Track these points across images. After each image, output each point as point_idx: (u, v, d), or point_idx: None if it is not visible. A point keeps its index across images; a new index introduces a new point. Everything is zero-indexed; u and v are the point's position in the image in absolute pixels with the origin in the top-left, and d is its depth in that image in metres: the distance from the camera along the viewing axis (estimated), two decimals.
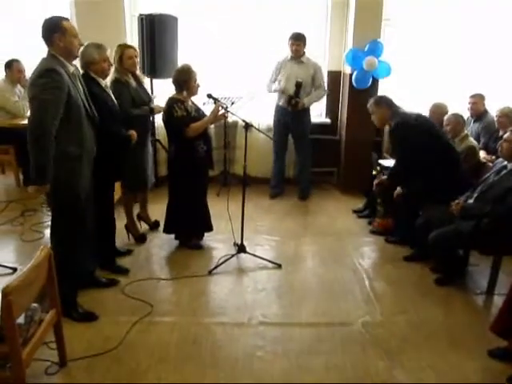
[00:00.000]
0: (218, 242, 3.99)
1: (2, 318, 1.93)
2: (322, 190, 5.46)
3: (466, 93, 4.82)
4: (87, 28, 4.27)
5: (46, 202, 3.86)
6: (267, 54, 5.16)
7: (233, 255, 3.70)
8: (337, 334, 2.84)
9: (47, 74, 2.52)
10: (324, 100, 5.40)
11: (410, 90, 5.30)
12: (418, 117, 3.83)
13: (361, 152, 5.12)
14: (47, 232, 3.83)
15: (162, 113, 3.71)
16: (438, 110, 4.39)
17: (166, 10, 4.73)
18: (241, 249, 3.72)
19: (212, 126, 4.66)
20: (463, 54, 5.32)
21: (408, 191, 3.80)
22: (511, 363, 2.56)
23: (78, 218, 2.79)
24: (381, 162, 4.58)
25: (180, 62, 4.44)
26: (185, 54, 4.85)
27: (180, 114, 3.48)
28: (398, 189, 3.87)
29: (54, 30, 2.59)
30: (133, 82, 3.62)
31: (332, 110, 5.51)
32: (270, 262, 3.67)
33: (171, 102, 3.54)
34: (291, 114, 4.86)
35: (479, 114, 4.65)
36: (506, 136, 3.24)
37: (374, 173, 4.59)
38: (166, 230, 3.86)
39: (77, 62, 2.88)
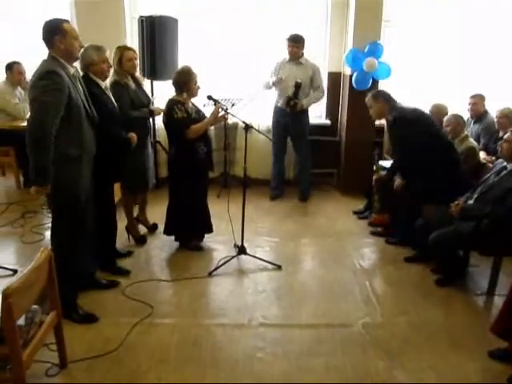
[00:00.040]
0: (218, 244, 3.99)
1: (2, 320, 1.93)
2: (322, 191, 5.46)
3: (466, 93, 4.82)
4: (87, 30, 4.27)
5: (47, 203, 3.86)
6: (267, 55, 5.16)
7: (233, 257, 3.70)
8: (337, 335, 2.84)
9: (48, 75, 2.53)
10: (324, 101, 5.41)
11: (410, 90, 5.30)
12: (414, 110, 3.86)
13: (361, 153, 5.12)
14: (47, 234, 3.83)
15: (162, 114, 3.72)
16: (438, 110, 4.40)
17: (166, 12, 4.74)
18: (241, 250, 3.73)
19: (212, 127, 4.66)
20: (463, 54, 5.33)
21: (408, 191, 3.81)
22: (511, 364, 2.56)
23: (78, 220, 2.79)
24: (381, 162, 4.60)
25: (180, 64, 4.45)
26: (185, 56, 4.86)
27: (180, 116, 3.49)
28: (398, 180, 3.89)
29: (54, 32, 2.60)
30: (132, 84, 3.62)
31: (332, 111, 5.51)
32: (270, 263, 3.67)
33: (171, 103, 3.54)
34: (290, 115, 4.86)
35: (479, 114, 4.66)
36: (506, 136, 3.24)
37: (374, 168, 4.63)
38: (167, 232, 3.86)
39: (77, 64, 2.89)
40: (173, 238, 3.92)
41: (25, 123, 4.50)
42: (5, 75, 5.16)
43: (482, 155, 4.27)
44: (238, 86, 5.32)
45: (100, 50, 3.05)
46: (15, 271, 3.37)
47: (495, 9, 5.16)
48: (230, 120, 4.44)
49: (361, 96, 4.43)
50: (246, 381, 2.45)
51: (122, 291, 3.23)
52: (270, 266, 3.65)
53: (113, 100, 3.21)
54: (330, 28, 5.26)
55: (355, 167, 5.18)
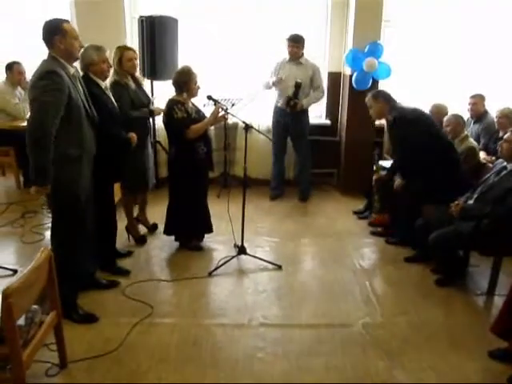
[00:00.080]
0: (218, 244, 3.99)
1: (2, 320, 1.93)
2: (322, 191, 5.46)
3: (466, 93, 4.82)
4: (87, 30, 4.27)
5: (47, 203, 3.87)
6: (267, 55, 5.17)
7: (233, 257, 3.70)
8: (337, 336, 2.84)
9: (48, 76, 2.53)
10: (324, 101, 5.41)
11: (410, 90, 5.30)
12: (414, 110, 3.87)
13: (361, 153, 5.12)
14: (47, 234, 3.83)
15: (162, 114, 3.72)
16: (438, 110, 4.40)
17: (166, 12, 4.74)
18: (241, 250, 3.72)
19: (212, 127, 4.67)
20: (463, 54, 5.33)
21: (408, 191, 3.82)
22: (511, 364, 2.56)
23: (78, 220, 2.79)
24: (381, 162, 4.61)
25: (180, 64, 4.45)
26: (185, 56, 4.86)
27: (180, 116, 3.49)
28: (398, 180, 3.90)
29: (54, 32, 2.60)
30: (132, 84, 3.62)
31: (332, 111, 5.51)
32: (270, 263, 3.67)
33: (171, 103, 3.54)
34: (290, 115, 4.86)
35: (479, 114, 4.66)
36: (506, 136, 3.24)
37: (374, 168, 4.63)
38: (167, 232, 3.86)
39: (77, 64, 2.89)
40: (173, 238, 3.92)
41: (25, 123, 4.49)
42: (5, 75, 5.16)
43: (482, 155, 4.27)
44: (238, 86, 5.32)
45: (100, 50, 3.06)
46: (15, 271, 3.38)
47: (495, 9, 5.16)
48: (230, 120, 4.44)
49: (361, 96, 4.43)
50: (246, 381, 2.45)
51: (122, 291, 3.23)
52: (270, 266, 3.65)
53: (113, 100, 3.21)
54: (330, 28, 5.26)
55: (355, 167, 5.18)
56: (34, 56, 3.80)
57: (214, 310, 3.13)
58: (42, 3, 5.33)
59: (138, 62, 3.74)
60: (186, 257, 3.80)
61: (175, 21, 4.74)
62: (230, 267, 3.61)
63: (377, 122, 4.91)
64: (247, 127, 3.56)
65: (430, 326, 2.95)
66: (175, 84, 3.57)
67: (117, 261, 3.53)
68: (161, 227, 4.02)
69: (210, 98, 3.65)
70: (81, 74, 2.96)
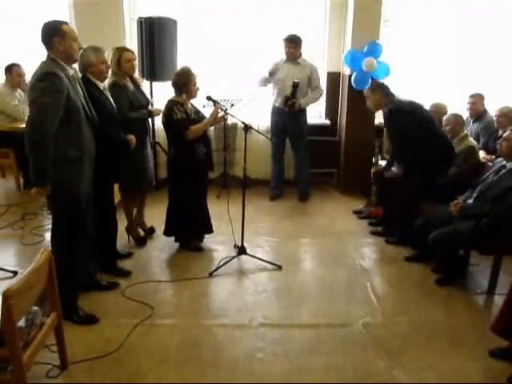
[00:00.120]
0: (218, 244, 3.99)
1: (2, 322, 1.93)
2: (322, 191, 5.46)
3: (465, 93, 4.82)
4: (86, 31, 4.28)
5: (47, 205, 3.87)
6: (266, 55, 5.16)
7: (233, 257, 3.70)
8: (337, 335, 2.84)
9: (47, 77, 2.53)
10: (323, 101, 5.42)
11: (410, 90, 5.29)
12: (411, 103, 3.88)
13: (360, 153, 5.12)
14: (47, 235, 3.83)
15: (161, 115, 3.72)
16: (438, 110, 4.39)
17: (166, 13, 4.75)
18: (241, 250, 3.73)
19: (212, 128, 4.68)
20: (462, 53, 5.34)
21: (407, 185, 3.83)
22: None
23: (78, 221, 2.80)
24: (381, 162, 4.61)
25: (179, 65, 4.44)
26: (184, 57, 4.86)
27: (180, 117, 3.49)
28: (399, 169, 3.94)
29: (53, 33, 2.60)
30: (131, 86, 3.62)
31: (331, 111, 5.52)
32: (270, 263, 3.67)
33: (171, 104, 3.54)
34: (288, 114, 4.86)
35: (478, 113, 4.66)
36: (505, 135, 3.25)
37: (373, 161, 4.66)
38: (167, 233, 3.86)
39: (76, 66, 2.89)
40: (173, 238, 3.92)
41: (24, 125, 4.51)
42: (4, 77, 5.16)
43: (482, 154, 4.27)
44: (238, 86, 5.32)
45: (98, 51, 3.06)
46: (15, 273, 3.38)
47: (494, 8, 5.16)
48: (230, 120, 4.43)
49: (360, 96, 4.43)
50: (246, 381, 2.45)
51: (122, 292, 3.23)
52: (270, 266, 3.65)
53: (111, 101, 3.21)
54: (329, 28, 5.27)
55: (355, 167, 5.18)
56: (33, 57, 3.80)
57: (214, 310, 3.13)
58: (41, 4, 5.33)
59: (136, 63, 3.74)
60: (186, 257, 3.80)
61: (174, 22, 4.74)
62: (230, 267, 3.61)
63: (376, 122, 4.92)
64: (247, 128, 3.56)
65: (431, 326, 2.95)
66: (174, 85, 3.58)
67: (117, 262, 3.53)
68: (160, 228, 4.02)
69: (209, 98, 3.65)
70: (80, 75, 2.96)
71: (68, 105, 2.60)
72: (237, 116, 3.76)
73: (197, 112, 3.69)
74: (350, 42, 4.93)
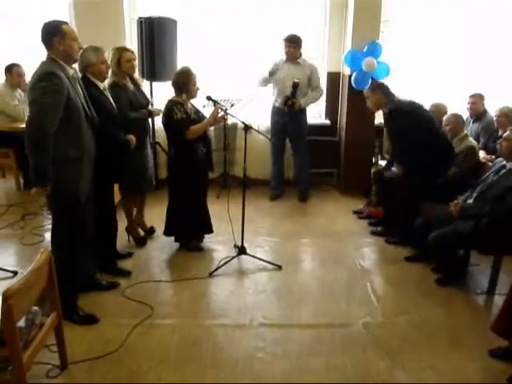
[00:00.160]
0: (218, 244, 3.99)
1: (2, 322, 1.93)
2: (322, 191, 5.46)
3: (465, 93, 4.82)
4: (86, 31, 4.28)
5: (47, 205, 3.87)
6: (266, 55, 5.16)
7: (233, 257, 3.70)
8: (337, 335, 2.84)
9: (47, 77, 2.53)
10: (323, 101, 5.42)
11: (410, 90, 5.29)
12: (411, 103, 3.88)
13: (360, 153, 5.11)
14: (47, 235, 3.83)
15: (161, 115, 3.72)
16: (438, 110, 4.39)
17: (166, 13, 4.75)
18: (241, 250, 3.73)
19: (212, 128, 4.68)
20: (462, 53, 5.33)
21: (407, 184, 3.83)
22: None
23: (78, 221, 2.80)
24: (381, 162, 4.61)
25: (179, 65, 4.44)
26: (184, 57, 4.86)
27: (180, 117, 3.49)
28: (399, 168, 3.94)
29: (53, 33, 2.60)
30: (131, 86, 3.62)
31: (331, 111, 5.52)
32: (270, 263, 3.67)
33: (171, 104, 3.54)
34: (288, 114, 4.86)
35: (478, 113, 4.66)
36: (505, 135, 3.25)
37: (373, 161, 4.66)
38: (167, 233, 3.86)
39: (76, 66, 2.89)
40: (173, 238, 3.92)
41: (24, 125, 4.52)
42: (4, 77, 5.16)
43: (482, 154, 4.27)
44: (238, 86, 5.32)
45: (98, 51, 3.06)
46: (15, 273, 3.38)
47: (494, 8, 5.16)
48: (230, 120, 4.43)
49: (360, 96, 4.43)
50: (246, 381, 2.45)
51: (122, 292, 3.23)
52: (270, 266, 3.65)
53: (111, 101, 3.21)
54: (329, 28, 5.27)
55: (355, 167, 5.18)
56: (33, 57, 3.80)
57: (214, 310, 3.13)
58: (41, 4, 5.33)
59: (136, 63, 3.74)
60: (186, 257, 3.80)
61: (174, 22, 4.74)
62: (230, 267, 3.61)
63: (376, 122, 4.91)
64: (247, 128, 3.56)
65: (431, 326, 2.95)
66: (174, 85, 3.58)
67: (117, 262, 3.53)
68: (160, 228, 4.02)
69: (209, 98, 3.65)
70: (80, 75, 2.96)
71: (68, 105, 2.60)
72: (237, 116, 3.76)
73: (197, 112, 3.69)
74: (350, 42, 4.93)
